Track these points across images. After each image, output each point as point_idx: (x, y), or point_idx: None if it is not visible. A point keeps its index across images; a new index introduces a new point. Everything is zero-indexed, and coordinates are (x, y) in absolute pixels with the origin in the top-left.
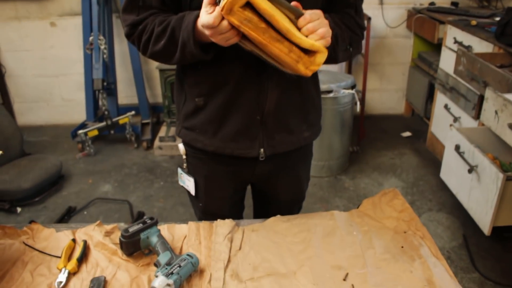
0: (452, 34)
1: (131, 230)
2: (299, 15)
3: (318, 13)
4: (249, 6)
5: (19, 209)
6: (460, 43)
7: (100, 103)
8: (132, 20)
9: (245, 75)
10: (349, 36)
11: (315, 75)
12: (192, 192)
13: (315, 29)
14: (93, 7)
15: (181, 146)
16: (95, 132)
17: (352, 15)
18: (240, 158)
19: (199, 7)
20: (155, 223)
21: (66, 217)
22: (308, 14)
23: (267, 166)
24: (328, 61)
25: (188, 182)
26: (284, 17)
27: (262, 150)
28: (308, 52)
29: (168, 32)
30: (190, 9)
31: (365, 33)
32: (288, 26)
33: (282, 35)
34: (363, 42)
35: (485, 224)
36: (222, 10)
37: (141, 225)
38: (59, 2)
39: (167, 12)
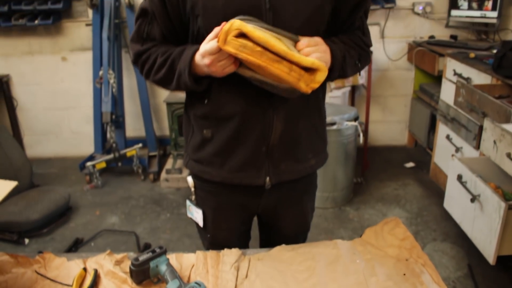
0: (451, 66)
1: (141, 258)
2: (297, 40)
3: (316, 40)
4: (243, 35)
5: (26, 241)
6: (460, 75)
7: (108, 135)
8: (137, 50)
9: (250, 109)
10: (358, 52)
11: (319, 105)
12: (200, 223)
13: (308, 55)
14: (103, 43)
15: (189, 179)
16: (103, 164)
17: (360, 36)
18: (247, 189)
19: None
20: (164, 252)
21: (74, 248)
22: (306, 40)
23: (273, 197)
24: (338, 77)
25: (196, 214)
26: (280, 41)
27: (268, 178)
28: (309, 70)
29: (169, 62)
30: (197, 42)
31: (370, 51)
32: (285, 48)
33: (280, 56)
34: (365, 75)
35: (489, 253)
36: (218, 42)
37: (150, 254)
38: (71, 38)
39: (168, 45)
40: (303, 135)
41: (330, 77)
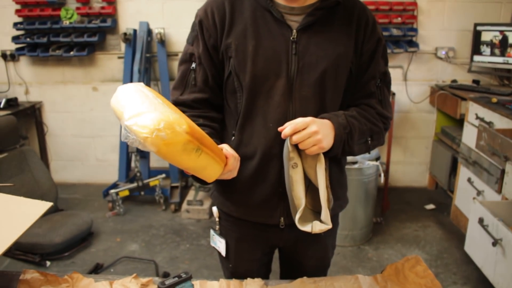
0: (473, 111)
1: (167, 283)
2: None
3: (304, 122)
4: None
5: (48, 263)
6: (482, 119)
7: (133, 164)
8: (176, 98)
9: (270, 150)
10: (369, 128)
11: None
12: (223, 253)
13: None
14: (134, 75)
15: (214, 209)
16: (126, 193)
17: (373, 106)
18: (267, 225)
19: (233, 90)
20: (190, 278)
21: (93, 273)
22: (291, 126)
23: (294, 233)
24: (344, 154)
25: (219, 244)
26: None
27: (282, 218)
28: None
29: None
30: (228, 84)
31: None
32: None
33: None
34: None
35: None
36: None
37: (176, 278)
38: (102, 70)
39: (206, 117)
40: None
41: (329, 153)
